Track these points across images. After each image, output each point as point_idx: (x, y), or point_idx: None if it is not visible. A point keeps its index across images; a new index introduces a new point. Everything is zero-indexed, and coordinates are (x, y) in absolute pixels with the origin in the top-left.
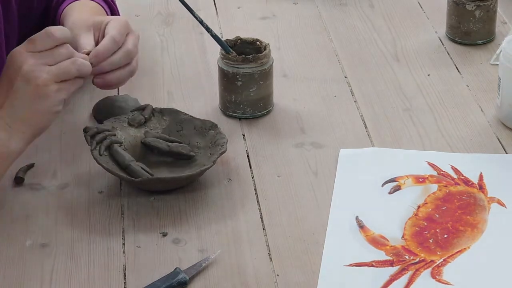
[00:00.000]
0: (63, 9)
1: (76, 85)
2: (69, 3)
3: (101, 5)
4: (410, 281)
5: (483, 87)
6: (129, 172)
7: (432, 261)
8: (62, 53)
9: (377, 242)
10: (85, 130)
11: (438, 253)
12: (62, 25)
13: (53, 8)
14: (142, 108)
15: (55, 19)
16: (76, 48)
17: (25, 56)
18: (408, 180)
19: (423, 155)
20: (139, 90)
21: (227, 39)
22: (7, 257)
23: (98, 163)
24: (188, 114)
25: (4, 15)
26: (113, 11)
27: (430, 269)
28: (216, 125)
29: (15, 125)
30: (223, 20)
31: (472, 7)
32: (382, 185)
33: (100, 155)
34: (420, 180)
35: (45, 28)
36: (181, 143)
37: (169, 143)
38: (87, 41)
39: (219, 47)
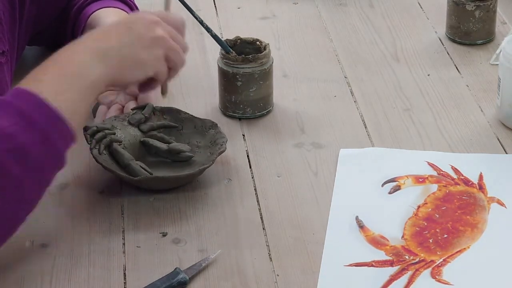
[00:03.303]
0: (90, 14)
1: (166, 74)
2: (97, 9)
3: None
4: (410, 281)
5: (483, 87)
6: (129, 171)
7: (432, 261)
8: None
9: (377, 242)
10: (85, 128)
11: (438, 253)
12: (91, 30)
13: (74, 11)
14: (142, 107)
15: (76, 22)
16: None
17: (156, 18)
18: (408, 180)
19: (423, 155)
20: None
21: (227, 39)
22: (7, 257)
23: (98, 162)
24: (188, 113)
25: (19, 13)
26: None
27: (430, 269)
28: (216, 124)
29: (108, 59)
30: (223, 20)
31: (472, 7)
32: (382, 185)
33: (100, 154)
34: (420, 180)
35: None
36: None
37: (168, 144)
38: None
39: (219, 47)
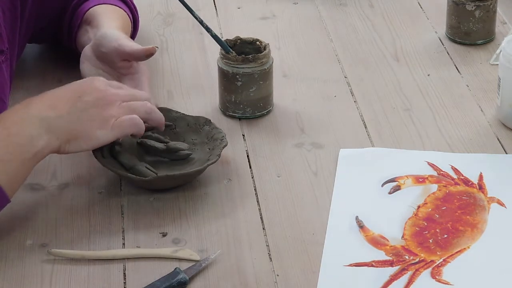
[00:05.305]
0: (87, 10)
1: (132, 129)
2: (94, 5)
3: (128, 15)
4: (410, 281)
5: (483, 87)
6: (135, 173)
7: (432, 261)
8: (138, 96)
9: (377, 242)
10: None
11: (438, 253)
12: (87, 25)
13: (71, 8)
14: None
15: (72, 18)
16: (122, 48)
17: (106, 85)
18: (408, 180)
19: (423, 155)
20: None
21: (227, 39)
22: (7, 257)
23: (104, 165)
24: (180, 112)
25: (20, 12)
26: (135, 19)
27: (430, 269)
28: (210, 120)
29: (54, 131)
30: (223, 20)
31: (472, 7)
32: (382, 185)
33: (104, 157)
34: (420, 180)
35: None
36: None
37: (165, 143)
38: (133, 44)
39: (219, 47)
